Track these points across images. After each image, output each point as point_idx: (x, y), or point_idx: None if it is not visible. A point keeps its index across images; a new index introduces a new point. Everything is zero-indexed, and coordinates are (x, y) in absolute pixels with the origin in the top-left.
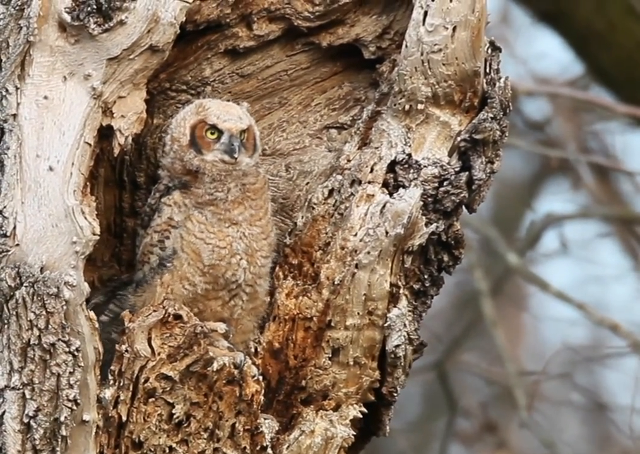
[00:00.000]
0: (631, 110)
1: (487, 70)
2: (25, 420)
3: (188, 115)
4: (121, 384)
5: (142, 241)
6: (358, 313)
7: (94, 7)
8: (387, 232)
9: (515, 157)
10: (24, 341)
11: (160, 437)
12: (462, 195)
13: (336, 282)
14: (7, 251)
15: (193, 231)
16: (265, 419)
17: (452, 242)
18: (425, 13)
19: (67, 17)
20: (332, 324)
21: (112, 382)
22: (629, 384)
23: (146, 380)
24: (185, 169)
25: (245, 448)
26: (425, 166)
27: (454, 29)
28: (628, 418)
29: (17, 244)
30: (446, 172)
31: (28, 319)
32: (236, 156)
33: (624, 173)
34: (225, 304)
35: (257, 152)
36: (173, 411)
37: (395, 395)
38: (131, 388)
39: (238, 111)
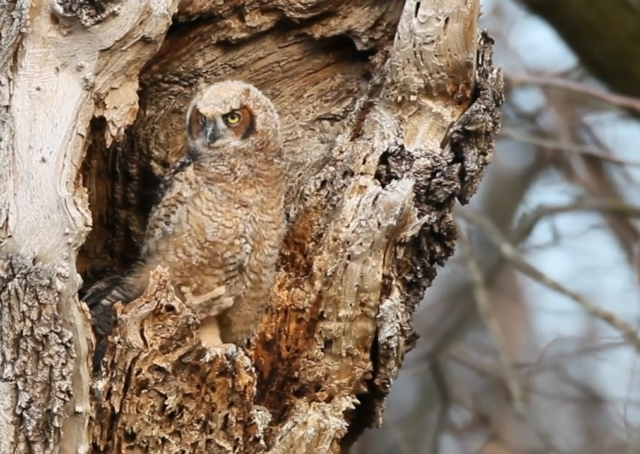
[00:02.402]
0: (625, 101)
1: (480, 61)
2: (18, 411)
3: (194, 100)
4: (114, 375)
5: (152, 216)
6: (351, 305)
7: None
8: (379, 224)
9: (508, 149)
10: (16, 332)
11: (152, 429)
12: (454, 186)
13: (328, 274)
14: (0, 242)
15: (200, 208)
16: (258, 410)
17: (445, 233)
18: (418, 5)
19: (60, 9)
20: (325, 315)
21: (104, 373)
22: (623, 377)
23: (139, 371)
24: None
25: (237, 439)
26: (417, 158)
27: (447, 20)
28: (622, 410)
29: (10, 236)
30: (439, 163)
31: (21, 310)
32: (209, 141)
33: (617, 163)
34: (222, 283)
35: (253, 135)
36: (166, 402)
37: (388, 386)
38: (124, 380)
39: (227, 94)
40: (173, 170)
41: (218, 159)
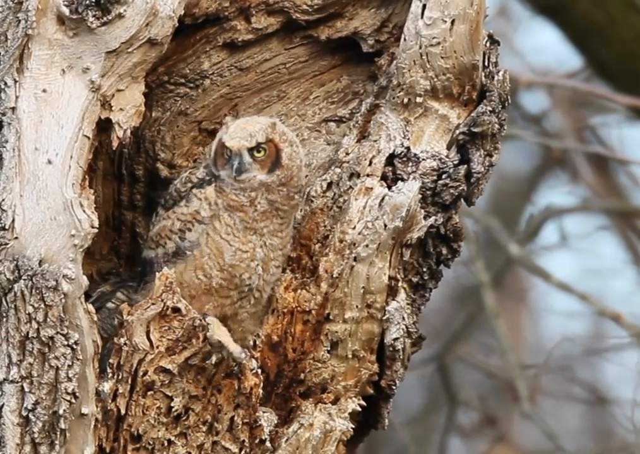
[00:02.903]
0: (633, 101)
1: (486, 63)
2: (24, 413)
3: (219, 133)
4: (120, 377)
5: (160, 221)
6: (357, 306)
7: (93, 0)
8: (385, 226)
9: (515, 151)
10: (22, 334)
11: (158, 431)
12: (460, 188)
13: (334, 275)
14: (6, 244)
15: (220, 231)
16: (264, 412)
17: (451, 235)
18: (424, 6)
19: (66, 11)
20: (331, 317)
21: (110, 375)
22: (630, 378)
23: (145, 373)
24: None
25: (243, 441)
26: (423, 159)
27: (453, 22)
28: (630, 411)
29: (16, 238)
30: (445, 165)
31: (27, 312)
32: (235, 174)
33: (624, 163)
34: (234, 304)
35: (279, 169)
36: (172, 404)
37: (394, 388)
38: (130, 381)
39: (254, 127)
40: (190, 185)
41: (240, 190)
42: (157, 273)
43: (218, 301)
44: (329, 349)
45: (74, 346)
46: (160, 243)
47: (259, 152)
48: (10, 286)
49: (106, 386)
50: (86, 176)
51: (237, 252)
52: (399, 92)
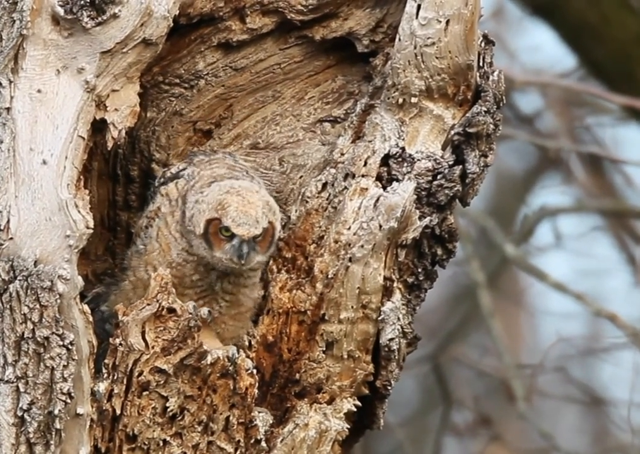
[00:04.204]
0: (628, 101)
1: (480, 63)
2: (19, 413)
3: (208, 208)
4: (115, 377)
5: (138, 222)
6: (352, 307)
7: (88, 0)
8: (380, 226)
9: (510, 151)
10: (18, 334)
11: (154, 431)
12: (456, 188)
13: (329, 276)
14: (1, 244)
15: (169, 226)
16: (259, 412)
17: (446, 236)
18: (419, 6)
19: (61, 11)
20: (326, 317)
21: (105, 375)
22: (626, 378)
23: (140, 373)
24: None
25: (239, 441)
26: (418, 160)
27: (447, 22)
28: (626, 412)
29: (11, 238)
30: (440, 165)
31: (22, 312)
32: (243, 262)
33: (619, 162)
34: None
35: (272, 248)
36: (167, 404)
37: (389, 388)
38: (125, 382)
39: (257, 212)
40: (157, 183)
41: (203, 272)
42: (128, 270)
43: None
44: (324, 349)
45: (70, 346)
46: (134, 240)
47: (259, 236)
48: (5, 287)
49: (102, 387)
50: (81, 177)
51: (182, 252)
52: (394, 92)
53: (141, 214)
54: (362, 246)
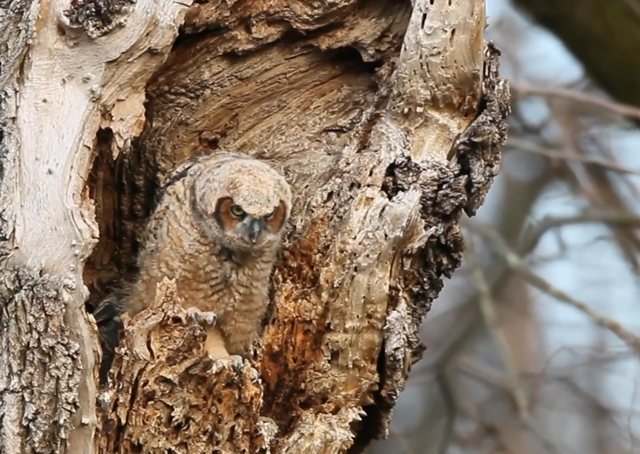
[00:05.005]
0: (632, 111)
1: (486, 73)
2: (24, 423)
3: (219, 187)
4: (120, 387)
5: (145, 227)
6: (357, 316)
7: (93, 10)
8: (386, 236)
9: (515, 161)
10: (23, 344)
11: (159, 440)
12: (461, 198)
13: (335, 285)
14: (7, 254)
15: (179, 219)
16: (264, 421)
17: (452, 245)
18: (424, 16)
19: (66, 21)
20: (332, 327)
21: (111, 385)
22: (630, 388)
23: (145, 383)
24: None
25: (244, 450)
26: (424, 169)
27: (453, 32)
28: (628, 422)
29: (17, 248)
30: (445, 175)
31: (27, 322)
32: (254, 240)
33: (624, 172)
34: (208, 298)
35: (283, 227)
36: (173, 414)
37: (394, 397)
38: (130, 391)
39: (268, 191)
40: (163, 184)
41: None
42: (140, 270)
43: (188, 293)
44: (329, 358)
45: (75, 356)
46: (142, 244)
47: (270, 214)
48: (11, 296)
49: (107, 396)
50: (87, 186)
51: (194, 242)
52: (400, 102)
53: (149, 219)
54: (368, 255)
